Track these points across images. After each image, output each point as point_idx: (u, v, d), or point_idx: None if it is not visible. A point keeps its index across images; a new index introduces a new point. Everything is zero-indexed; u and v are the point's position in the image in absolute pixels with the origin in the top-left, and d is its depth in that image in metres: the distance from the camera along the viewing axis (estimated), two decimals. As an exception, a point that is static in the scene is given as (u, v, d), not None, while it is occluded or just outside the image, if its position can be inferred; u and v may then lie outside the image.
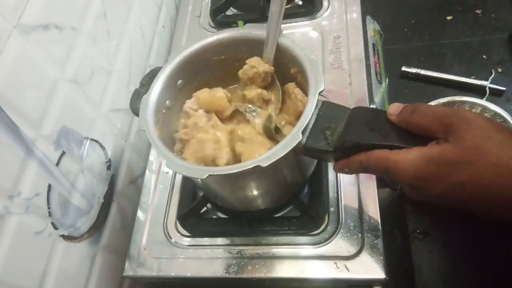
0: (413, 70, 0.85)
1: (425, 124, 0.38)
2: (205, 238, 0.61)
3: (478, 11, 0.91)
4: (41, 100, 0.53)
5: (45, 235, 0.52)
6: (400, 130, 0.40)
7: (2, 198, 0.46)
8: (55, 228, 0.54)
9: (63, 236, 0.56)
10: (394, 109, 0.41)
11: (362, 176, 0.59)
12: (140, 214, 0.66)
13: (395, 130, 0.41)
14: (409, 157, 0.37)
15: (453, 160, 0.35)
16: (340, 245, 0.55)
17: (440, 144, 0.37)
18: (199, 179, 0.53)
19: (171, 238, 0.62)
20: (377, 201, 0.57)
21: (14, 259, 0.47)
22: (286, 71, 0.55)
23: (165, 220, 0.64)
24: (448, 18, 0.92)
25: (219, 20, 0.83)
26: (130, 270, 0.61)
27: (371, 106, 0.65)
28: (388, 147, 0.40)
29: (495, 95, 0.79)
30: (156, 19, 0.87)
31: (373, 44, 0.75)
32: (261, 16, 0.78)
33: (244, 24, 0.56)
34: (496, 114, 0.70)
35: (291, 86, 0.54)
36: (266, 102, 0.56)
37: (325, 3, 0.78)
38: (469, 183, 0.35)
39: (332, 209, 0.58)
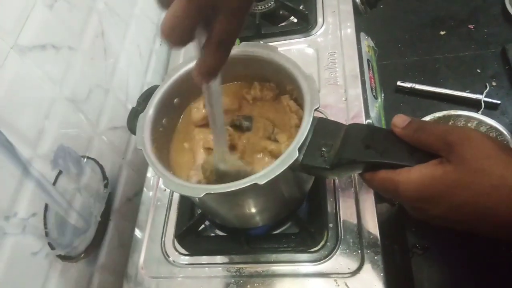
0: (408, 84, 0.86)
1: (429, 142, 0.38)
2: (204, 257, 0.60)
3: (470, 26, 0.93)
4: (38, 119, 0.53)
5: (42, 255, 0.52)
6: (397, 147, 0.40)
7: (-2, 219, 0.45)
8: (52, 248, 0.54)
9: (60, 256, 0.55)
10: (399, 121, 0.41)
11: (360, 191, 0.59)
12: (137, 232, 0.65)
13: (391, 147, 0.41)
14: (410, 177, 0.37)
15: (455, 181, 0.35)
16: (339, 262, 0.54)
17: (442, 164, 0.36)
18: (196, 198, 0.53)
19: (169, 256, 0.61)
20: (376, 216, 0.57)
21: (11, 280, 0.46)
22: (282, 87, 0.55)
23: (163, 239, 0.63)
24: (442, 33, 0.94)
25: (216, 38, 0.84)
26: (127, 290, 0.60)
27: (368, 121, 0.66)
28: (384, 165, 0.40)
29: (490, 109, 0.80)
30: (153, 38, 0.88)
31: (368, 59, 0.75)
32: (257, 34, 0.79)
33: (240, 43, 0.56)
34: (491, 127, 0.70)
35: (285, 99, 0.55)
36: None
37: (319, 20, 0.79)
38: (470, 204, 0.35)
39: (331, 225, 0.57)
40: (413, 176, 0.37)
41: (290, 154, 0.42)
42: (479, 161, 0.35)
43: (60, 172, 0.56)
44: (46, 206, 0.53)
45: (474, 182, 0.34)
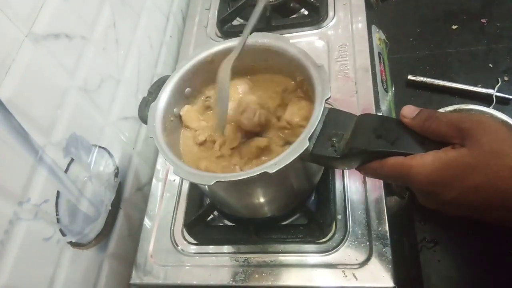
0: (419, 78, 0.85)
1: (441, 130, 0.38)
2: (212, 246, 0.61)
3: (483, 20, 0.92)
4: (51, 107, 0.53)
5: (53, 241, 0.52)
6: (408, 137, 0.40)
7: (11, 204, 0.46)
8: (63, 234, 0.54)
9: (71, 243, 0.56)
10: (408, 111, 0.41)
11: (369, 184, 0.59)
12: (147, 221, 0.66)
13: (402, 136, 0.41)
14: (424, 161, 0.37)
15: (470, 164, 0.35)
16: (348, 253, 0.55)
17: (456, 148, 0.36)
18: (206, 186, 0.53)
19: (177, 245, 0.62)
20: (385, 209, 0.57)
21: (23, 265, 0.47)
22: (293, 79, 0.55)
23: (172, 228, 0.64)
24: (454, 27, 0.93)
25: (226, 30, 0.84)
26: (136, 278, 0.60)
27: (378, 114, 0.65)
28: (395, 154, 0.40)
29: (502, 104, 0.79)
30: (164, 29, 0.88)
31: (379, 53, 0.75)
32: (267, 26, 0.79)
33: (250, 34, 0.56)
34: (503, 122, 0.69)
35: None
36: None
37: (330, 13, 0.79)
38: (485, 187, 0.34)
39: (339, 216, 0.58)
40: (427, 160, 0.37)
41: (301, 143, 0.43)
42: (494, 144, 0.34)
43: (72, 160, 0.57)
44: (58, 193, 0.54)
45: (489, 164, 0.34)
